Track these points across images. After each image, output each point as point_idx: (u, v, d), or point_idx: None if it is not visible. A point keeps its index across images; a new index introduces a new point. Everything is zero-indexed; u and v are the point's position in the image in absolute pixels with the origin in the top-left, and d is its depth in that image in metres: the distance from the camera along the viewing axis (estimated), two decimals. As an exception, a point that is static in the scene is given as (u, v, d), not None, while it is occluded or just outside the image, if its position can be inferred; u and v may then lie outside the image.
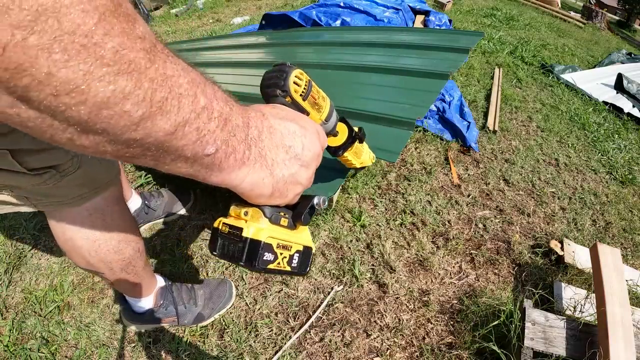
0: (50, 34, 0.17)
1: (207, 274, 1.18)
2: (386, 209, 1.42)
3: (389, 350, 1.01)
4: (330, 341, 1.02)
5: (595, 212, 1.56)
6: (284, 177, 0.36)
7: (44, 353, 0.99)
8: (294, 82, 0.40)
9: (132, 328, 1.03)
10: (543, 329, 0.95)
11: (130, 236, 0.76)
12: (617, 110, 2.46)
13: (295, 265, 0.41)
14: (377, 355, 1.00)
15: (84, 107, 0.20)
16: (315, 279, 1.16)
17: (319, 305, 1.09)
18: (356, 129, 0.60)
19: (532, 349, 0.92)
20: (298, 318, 1.07)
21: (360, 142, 0.62)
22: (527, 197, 1.58)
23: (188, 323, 1.02)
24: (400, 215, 1.39)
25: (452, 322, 1.08)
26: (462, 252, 1.29)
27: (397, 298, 1.13)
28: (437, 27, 2.93)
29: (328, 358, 0.99)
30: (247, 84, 1.37)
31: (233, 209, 0.39)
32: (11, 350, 0.99)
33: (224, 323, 1.05)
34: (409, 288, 1.16)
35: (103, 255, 0.72)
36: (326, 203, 0.44)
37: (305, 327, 1.04)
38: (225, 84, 1.43)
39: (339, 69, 1.36)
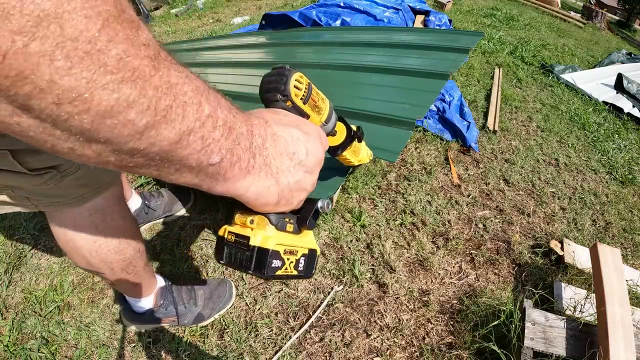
0: (52, 40, 0.17)
1: (207, 274, 1.18)
2: (386, 209, 1.42)
3: (389, 350, 1.01)
4: (330, 341, 1.02)
5: (595, 212, 1.56)
6: (290, 185, 0.35)
7: (44, 353, 0.99)
8: (295, 86, 0.39)
9: (132, 328, 1.03)
10: (543, 329, 0.95)
11: (130, 236, 0.76)
12: (617, 110, 2.46)
13: (302, 268, 0.41)
14: (377, 355, 1.00)
15: (87, 116, 0.20)
16: (315, 279, 1.16)
17: (319, 305, 1.09)
18: (354, 128, 0.60)
19: (532, 349, 0.92)
20: (298, 318, 1.07)
21: (359, 141, 0.62)
22: (527, 197, 1.58)
23: (188, 323, 1.02)
24: (400, 215, 1.39)
25: (452, 322, 1.08)
26: (462, 252, 1.29)
27: (397, 298, 1.13)
28: (437, 27, 2.93)
29: (328, 358, 0.99)
30: (247, 84, 1.37)
31: (238, 217, 0.38)
32: (11, 350, 0.99)
33: (224, 323, 1.05)
34: (409, 288, 1.16)
35: (104, 255, 0.72)
36: (330, 206, 0.44)
37: (305, 327, 1.04)
38: (225, 84, 1.43)
39: (339, 69, 1.36)
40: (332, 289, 1.13)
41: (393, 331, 1.05)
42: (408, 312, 1.10)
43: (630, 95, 2.66)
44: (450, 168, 1.66)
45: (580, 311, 1.05)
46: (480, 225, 1.40)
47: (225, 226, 0.39)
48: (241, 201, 0.34)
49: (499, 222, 1.43)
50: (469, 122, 1.90)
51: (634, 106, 2.51)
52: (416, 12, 3.06)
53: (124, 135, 0.22)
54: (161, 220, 1.33)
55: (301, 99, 0.40)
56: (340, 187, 1.41)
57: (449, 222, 1.40)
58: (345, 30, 2.02)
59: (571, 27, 5.50)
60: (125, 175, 1.25)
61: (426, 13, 3.08)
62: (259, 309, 1.08)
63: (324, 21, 2.38)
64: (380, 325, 1.06)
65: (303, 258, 0.41)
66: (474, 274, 1.23)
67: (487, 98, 2.29)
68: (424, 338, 1.05)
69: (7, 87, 0.17)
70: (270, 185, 0.33)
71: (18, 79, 0.17)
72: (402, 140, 0.97)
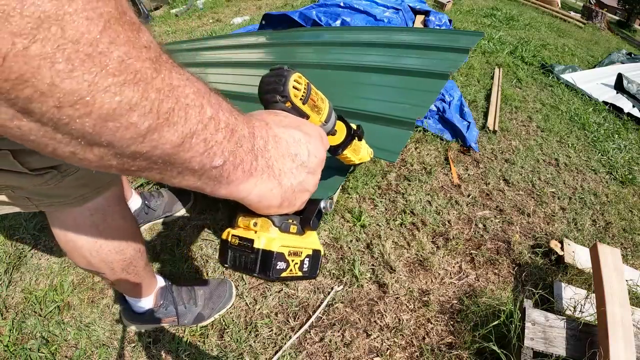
0: (53, 42, 0.16)
1: (207, 274, 1.18)
2: (386, 209, 1.42)
3: (389, 350, 1.01)
4: (330, 341, 1.02)
5: (595, 212, 1.56)
6: (292, 186, 0.35)
7: (44, 353, 0.99)
8: (294, 87, 0.39)
9: (132, 328, 1.03)
10: (543, 329, 0.95)
11: (131, 236, 0.76)
12: (617, 110, 2.46)
13: (307, 269, 0.41)
14: (377, 355, 1.00)
15: (89, 119, 0.19)
16: (315, 279, 1.16)
17: (319, 305, 1.09)
18: (354, 127, 0.60)
19: (532, 349, 0.92)
20: (298, 318, 1.07)
21: (360, 139, 0.62)
22: (527, 197, 1.58)
23: (188, 323, 1.02)
24: (400, 215, 1.39)
25: (452, 322, 1.08)
26: (462, 252, 1.29)
27: (397, 298, 1.13)
28: (437, 27, 2.93)
29: (328, 358, 0.99)
30: (247, 84, 1.37)
31: (241, 220, 0.38)
32: (11, 350, 0.99)
33: (224, 323, 1.05)
34: (409, 288, 1.16)
35: (104, 255, 0.72)
36: (332, 206, 0.43)
37: (305, 327, 1.04)
38: (225, 84, 1.43)
39: (339, 69, 1.36)
40: (332, 289, 1.13)
41: (393, 331, 1.05)
42: (408, 312, 1.10)
43: (630, 95, 2.66)
44: (450, 168, 1.66)
45: (580, 311, 1.05)
46: (480, 225, 1.40)
47: (229, 229, 0.39)
48: (244, 204, 0.34)
49: (499, 222, 1.43)
50: (469, 122, 1.90)
51: (634, 106, 2.51)
52: (416, 12, 3.06)
53: (126, 138, 0.21)
54: (161, 220, 1.33)
55: (300, 99, 0.40)
56: (340, 187, 1.41)
57: (449, 222, 1.40)
58: (345, 30, 2.02)
59: (571, 27, 5.50)
60: (125, 176, 1.25)
61: (426, 13, 3.08)
62: (259, 309, 1.08)
63: (324, 21, 2.38)
64: (380, 325, 1.06)
65: (307, 259, 0.41)
66: (474, 274, 1.23)
67: (487, 98, 2.29)
68: (424, 338, 1.05)
69: (7, 91, 0.17)
70: (273, 187, 0.33)
71: (18, 82, 0.17)
72: (402, 140, 0.97)
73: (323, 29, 2.24)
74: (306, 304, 1.10)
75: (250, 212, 0.37)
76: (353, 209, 1.39)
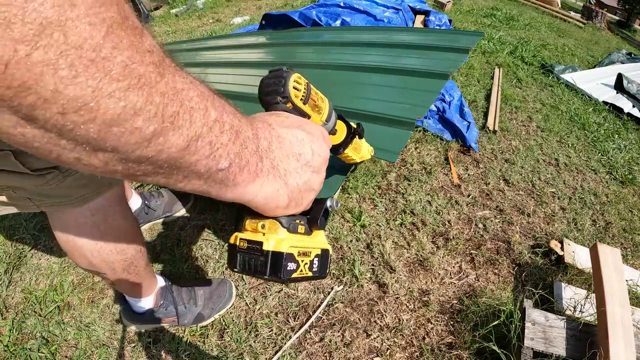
0: (56, 48, 0.16)
1: (207, 274, 1.18)
2: (386, 209, 1.42)
3: (389, 350, 1.01)
4: (330, 341, 1.02)
5: (595, 212, 1.56)
6: (299, 186, 0.35)
7: (44, 353, 0.99)
8: (294, 87, 0.39)
9: (132, 328, 1.03)
10: (543, 329, 0.95)
11: (132, 236, 0.76)
12: (617, 110, 2.46)
13: (316, 269, 0.41)
14: (377, 355, 1.00)
15: (93, 125, 0.19)
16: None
17: (319, 305, 1.09)
18: (354, 125, 0.60)
19: (532, 349, 0.92)
20: (298, 318, 1.07)
21: (360, 137, 0.62)
22: (527, 197, 1.58)
23: (188, 323, 1.02)
24: (400, 215, 1.39)
25: (452, 322, 1.08)
26: (462, 252, 1.29)
27: (397, 298, 1.13)
28: (437, 27, 2.93)
29: (328, 358, 0.99)
30: (247, 84, 1.37)
31: (249, 223, 0.38)
32: (11, 350, 0.99)
33: (224, 323, 1.05)
34: (409, 288, 1.16)
35: (105, 255, 0.72)
36: (338, 204, 0.43)
37: (305, 327, 1.04)
38: (225, 83, 1.43)
39: (339, 69, 1.36)
40: (332, 289, 1.14)
41: (393, 331, 1.05)
42: (408, 312, 1.10)
43: (630, 95, 2.66)
44: (450, 168, 1.66)
45: (580, 311, 1.05)
46: (480, 225, 1.40)
47: (236, 233, 0.39)
48: (251, 207, 0.34)
49: (499, 222, 1.43)
50: (469, 122, 1.90)
51: (634, 106, 2.51)
52: (416, 12, 3.06)
53: (131, 143, 0.21)
54: (161, 220, 1.33)
55: (301, 99, 0.40)
56: (341, 186, 1.41)
57: (449, 222, 1.40)
58: (345, 30, 2.02)
59: (571, 27, 5.50)
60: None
61: (426, 13, 3.08)
62: (259, 309, 1.08)
63: (324, 21, 2.38)
64: (380, 325, 1.06)
65: (317, 258, 0.41)
66: (474, 274, 1.23)
67: (487, 98, 2.29)
68: (424, 338, 1.05)
69: (10, 98, 0.17)
70: (280, 187, 0.33)
71: (21, 90, 0.16)
72: (402, 140, 0.97)
73: (323, 29, 2.24)
74: (306, 304, 1.10)
75: (257, 215, 0.37)
76: (353, 209, 1.39)
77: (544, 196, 1.58)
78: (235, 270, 0.37)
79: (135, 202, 1.26)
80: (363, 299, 1.12)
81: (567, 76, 2.80)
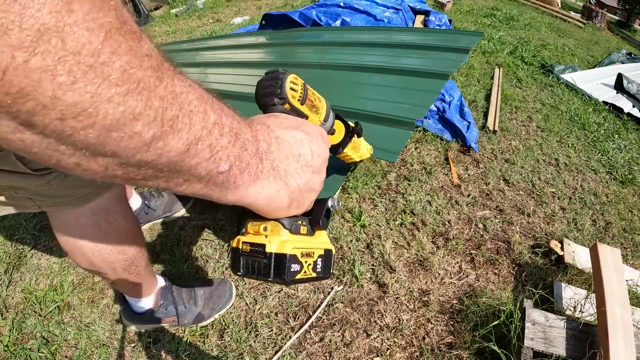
0: (54, 54, 0.16)
1: (207, 274, 1.18)
2: (386, 209, 1.42)
3: (389, 350, 1.01)
4: (330, 341, 1.02)
5: (595, 212, 1.56)
6: (299, 187, 0.35)
7: (44, 353, 0.99)
8: (291, 88, 0.39)
9: (132, 328, 1.03)
10: (543, 329, 0.95)
11: (133, 236, 0.76)
12: (617, 110, 2.46)
13: (320, 269, 0.41)
14: (377, 355, 1.00)
15: (92, 131, 0.19)
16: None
17: (319, 305, 1.09)
18: (352, 124, 0.60)
19: (532, 349, 0.92)
20: (298, 318, 1.07)
21: (359, 136, 0.62)
22: (527, 197, 1.58)
23: (188, 323, 1.02)
24: (400, 215, 1.39)
25: (452, 322, 1.08)
26: (462, 252, 1.29)
27: (397, 298, 1.13)
28: (437, 27, 2.93)
29: (328, 358, 0.99)
30: (247, 84, 1.37)
31: (250, 226, 0.38)
32: (11, 350, 0.99)
33: (224, 323, 1.05)
34: (409, 288, 1.16)
35: (106, 255, 0.72)
36: (339, 203, 0.43)
37: (305, 327, 1.04)
38: (225, 83, 1.43)
39: (339, 69, 1.36)
40: (332, 289, 1.14)
41: (393, 331, 1.05)
42: (408, 312, 1.10)
43: (630, 95, 2.66)
44: (450, 168, 1.66)
45: (580, 311, 1.05)
46: (480, 225, 1.40)
47: (238, 237, 0.38)
48: (252, 209, 0.34)
49: (499, 222, 1.43)
50: (469, 122, 1.90)
51: (634, 106, 2.51)
52: (416, 12, 3.06)
53: (130, 148, 0.21)
54: (161, 220, 1.33)
55: (298, 100, 0.40)
56: (341, 186, 1.41)
57: (449, 222, 1.40)
58: (345, 30, 2.02)
59: (571, 27, 5.50)
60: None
61: (426, 13, 3.08)
62: (259, 309, 1.08)
63: (324, 21, 2.38)
64: (380, 325, 1.06)
65: (320, 259, 0.41)
66: (474, 274, 1.23)
67: (487, 98, 2.29)
68: (424, 338, 1.05)
69: (8, 104, 0.16)
70: (280, 188, 0.33)
71: (19, 96, 0.16)
72: (402, 140, 0.97)
73: (323, 29, 2.24)
74: (306, 304, 1.10)
75: (258, 217, 0.37)
76: (353, 209, 1.39)
77: (544, 196, 1.58)
78: (239, 273, 0.37)
79: (135, 201, 1.26)
80: (363, 299, 1.12)
81: (567, 76, 2.80)
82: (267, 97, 0.39)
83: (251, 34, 2.40)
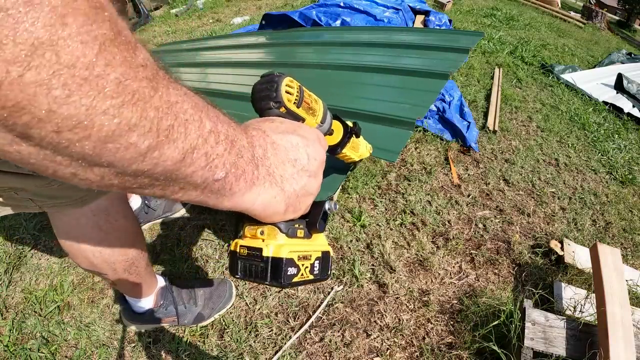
0: (48, 68, 0.16)
1: (207, 274, 1.18)
2: (386, 209, 1.42)
3: (389, 350, 1.01)
4: (330, 341, 1.02)
5: (595, 212, 1.56)
6: (295, 191, 0.35)
7: (44, 353, 0.99)
8: (286, 92, 0.39)
9: (132, 328, 1.03)
10: (543, 329, 0.95)
11: (133, 237, 0.76)
12: (617, 110, 2.46)
13: (317, 272, 0.41)
14: (377, 355, 1.00)
15: (88, 142, 0.19)
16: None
17: (319, 305, 1.09)
18: (350, 124, 0.59)
19: (532, 349, 0.92)
20: (298, 318, 1.07)
21: (357, 136, 0.62)
22: (527, 197, 1.58)
23: (188, 323, 1.02)
24: (400, 215, 1.39)
25: (452, 322, 1.08)
26: (462, 252, 1.29)
27: (397, 298, 1.13)
28: (437, 27, 2.93)
29: (328, 358, 0.99)
30: (247, 84, 1.37)
31: (248, 230, 0.38)
32: (11, 350, 0.99)
33: (224, 323, 1.05)
34: (409, 288, 1.16)
35: (107, 256, 0.72)
36: (337, 206, 0.43)
37: (305, 327, 1.04)
38: (225, 83, 1.43)
39: (339, 69, 1.36)
40: (332, 289, 1.14)
41: (393, 331, 1.05)
42: (408, 312, 1.10)
43: (630, 95, 2.66)
44: (450, 168, 1.66)
45: (580, 311, 1.05)
46: (480, 225, 1.40)
47: (236, 240, 0.39)
48: (249, 214, 0.34)
49: (499, 222, 1.43)
50: (469, 122, 1.90)
51: (634, 106, 2.51)
52: (416, 12, 3.06)
53: (126, 158, 0.21)
54: (161, 220, 1.33)
55: (294, 103, 0.40)
56: (340, 187, 1.41)
57: (449, 222, 1.40)
58: (345, 30, 2.01)
59: (571, 27, 5.50)
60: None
61: (426, 13, 3.08)
62: (259, 309, 1.08)
63: (324, 21, 2.38)
64: (380, 325, 1.06)
65: (317, 261, 0.41)
66: (474, 274, 1.23)
67: (487, 98, 2.29)
68: (424, 338, 1.05)
69: (4, 118, 0.17)
70: (277, 194, 0.33)
71: (15, 110, 0.16)
72: (402, 140, 0.97)
73: (323, 29, 2.24)
74: (306, 304, 1.10)
75: (256, 221, 0.37)
76: (353, 209, 1.39)
77: (544, 196, 1.58)
78: (237, 276, 0.38)
79: (135, 201, 1.26)
80: (363, 299, 1.12)
81: (567, 76, 2.80)
82: (263, 101, 0.39)
83: (251, 34, 2.40)
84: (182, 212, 1.36)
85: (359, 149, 0.66)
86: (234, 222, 1.33)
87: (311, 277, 0.40)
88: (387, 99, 1.12)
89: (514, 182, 1.63)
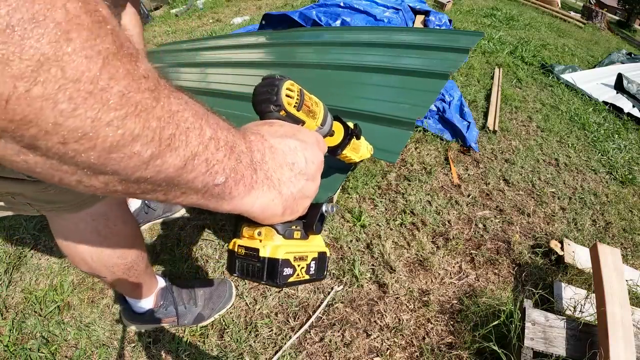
0: (54, 83, 0.17)
1: (207, 274, 1.18)
2: (386, 209, 1.42)
3: (389, 350, 1.01)
4: (330, 341, 1.02)
5: (595, 212, 1.56)
6: (293, 194, 0.36)
7: (44, 353, 0.99)
8: (287, 95, 0.39)
9: (132, 328, 1.03)
10: (543, 329, 0.95)
11: (132, 240, 0.76)
12: (617, 110, 2.46)
13: (313, 272, 0.42)
14: (377, 355, 1.00)
15: (93, 152, 0.20)
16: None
17: (319, 305, 1.09)
18: (351, 125, 0.60)
19: (532, 349, 0.92)
20: (298, 318, 1.07)
21: (358, 138, 0.62)
22: (527, 197, 1.58)
23: (188, 323, 1.02)
24: (400, 215, 1.39)
25: (452, 322, 1.08)
26: (462, 252, 1.29)
27: (397, 298, 1.13)
28: (437, 27, 2.93)
29: (328, 358, 0.99)
30: (247, 84, 1.37)
31: (246, 230, 0.39)
32: (11, 350, 0.99)
33: (224, 323, 1.05)
34: (409, 288, 1.16)
35: (106, 260, 0.72)
36: (334, 209, 0.44)
37: (305, 327, 1.04)
38: (225, 83, 1.43)
39: (339, 69, 1.36)
40: (332, 289, 1.13)
41: (393, 331, 1.05)
42: (408, 312, 1.10)
43: (630, 95, 2.66)
44: (450, 168, 1.66)
45: (580, 311, 1.05)
46: (480, 225, 1.40)
47: (235, 240, 0.40)
48: (248, 216, 0.35)
49: (499, 222, 1.43)
50: (469, 122, 1.90)
51: (634, 106, 2.51)
52: (416, 12, 3.06)
53: (130, 166, 0.22)
54: (161, 220, 1.33)
55: (294, 106, 0.40)
56: (340, 187, 1.41)
57: (449, 222, 1.40)
58: (345, 30, 2.01)
59: (571, 27, 5.50)
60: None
61: (426, 13, 3.08)
62: (259, 309, 1.08)
63: (324, 21, 2.38)
64: (380, 325, 1.06)
65: (313, 262, 0.42)
66: (474, 274, 1.23)
67: (487, 98, 2.29)
68: (424, 338, 1.05)
69: (12, 130, 0.17)
70: (274, 197, 0.34)
71: (23, 123, 0.17)
72: (402, 141, 0.97)
73: (323, 29, 2.24)
74: (306, 304, 1.10)
75: (254, 222, 0.38)
76: (353, 209, 1.39)
77: (544, 196, 1.58)
78: (235, 275, 0.39)
79: (135, 201, 1.26)
80: (363, 299, 1.12)
81: (567, 76, 2.80)
82: (264, 104, 0.39)
83: (251, 34, 2.40)
84: (182, 212, 1.36)
85: (359, 150, 0.66)
86: (234, 222, 1.33)
87: (307, 277, 0.41)
88: (387, 99, 1.12)
89: (514, 182, 1.63)
